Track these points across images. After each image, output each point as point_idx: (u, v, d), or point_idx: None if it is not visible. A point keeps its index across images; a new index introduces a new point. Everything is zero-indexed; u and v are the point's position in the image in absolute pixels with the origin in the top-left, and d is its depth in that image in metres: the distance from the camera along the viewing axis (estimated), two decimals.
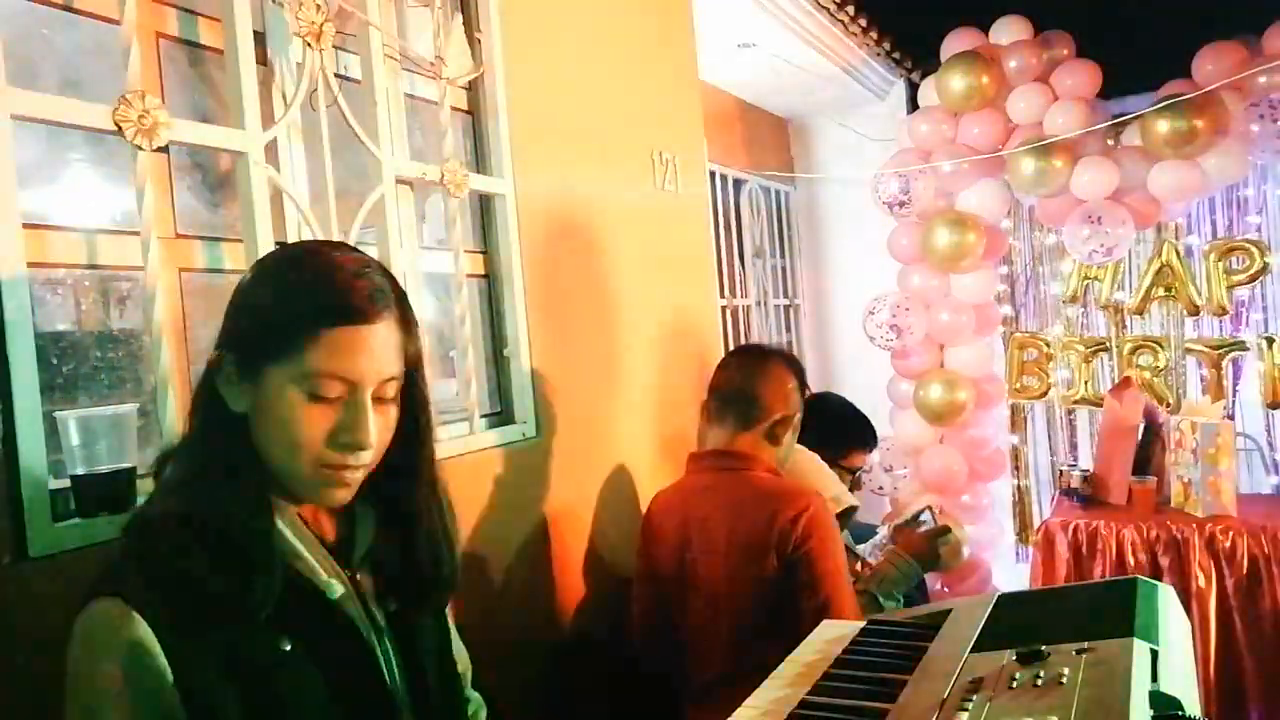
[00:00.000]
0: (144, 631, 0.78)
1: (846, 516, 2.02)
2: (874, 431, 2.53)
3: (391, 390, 0.90)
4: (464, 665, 1.11)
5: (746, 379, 1.78)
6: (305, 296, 0.87)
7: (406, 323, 0.92)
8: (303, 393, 0.85)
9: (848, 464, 2.39)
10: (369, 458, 0.89)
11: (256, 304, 0.89)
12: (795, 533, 1.59)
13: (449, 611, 1.09)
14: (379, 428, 0.89)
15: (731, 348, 2.62)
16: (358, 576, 0.94)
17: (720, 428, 1.78)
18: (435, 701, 0.97)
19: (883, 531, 2.09)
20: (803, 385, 1.83)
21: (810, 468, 2.06)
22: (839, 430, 2.42)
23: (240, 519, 0.85)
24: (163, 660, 0.78)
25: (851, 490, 2.33)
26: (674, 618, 1.75)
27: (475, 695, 1.14)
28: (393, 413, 0.92)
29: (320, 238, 1.49)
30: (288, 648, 0.85)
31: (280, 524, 0.89)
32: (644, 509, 2.20)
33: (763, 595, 1.61)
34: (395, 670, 0.94)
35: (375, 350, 0.87)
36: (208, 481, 0.86)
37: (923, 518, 2.08)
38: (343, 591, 0.90)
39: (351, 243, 1.55)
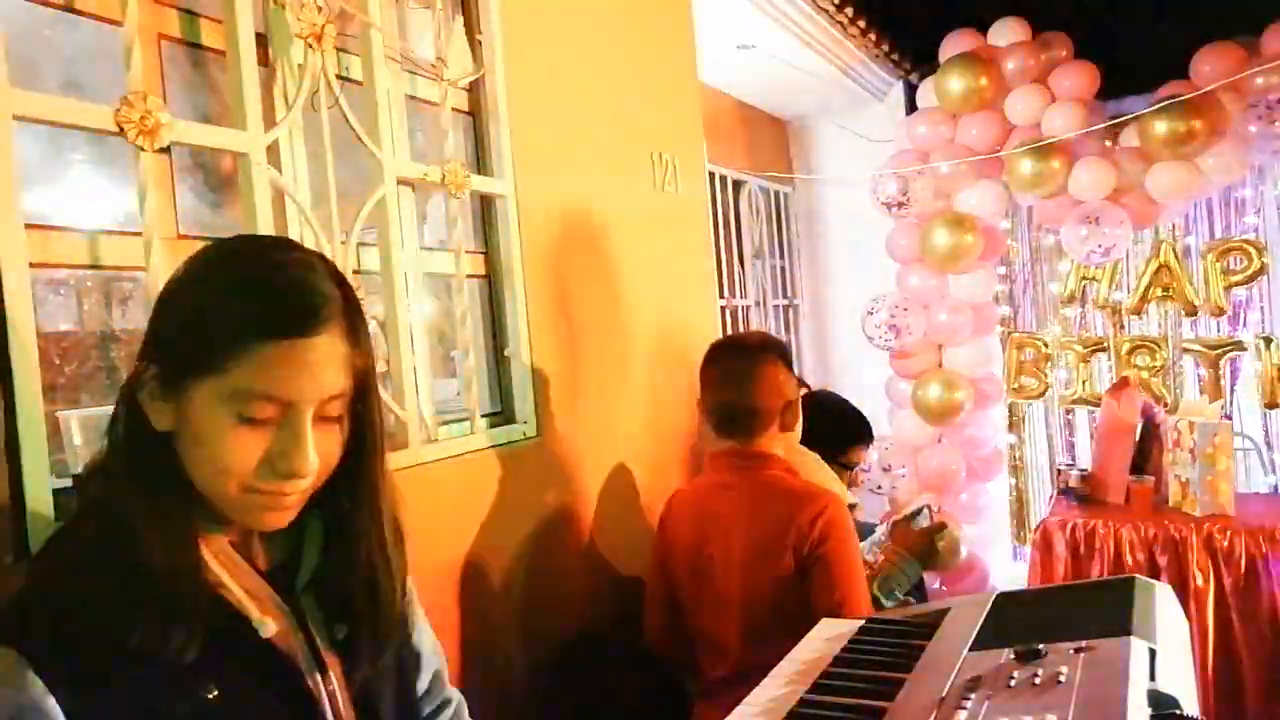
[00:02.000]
0: (36, 691, 0.69)
1: None
2: (870, 429, 2.54)
3: (336, 408, 0.81)
4: (439, 662, 1.05)
5: (740, 393, 1.73)
6: (235, 304, 0.76)
7: (355, 333, 0.81)
8: (231, 413, 0.75)
9: (845, 461, 2.40)
10: (307, 484, 0.80)
11: (180, 310, 0.79)
12: (812, 533, 1.59)
13: (418, 608, 1.03)
14: (322, 449, 0.80)
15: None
16: (301, 603, 0.86)
17: (730, 440, 1.76)
18: None
19: (880, 530, 2.10)
20: (789, 365, 1.79)
21: (810, 468, 2.07)
22: (836, 428, 2.43)
23: (160, 553, 0.75)
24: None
25: (850, 488, 2.34)
26: (689, 615, 1.75)
27: (453, 693, 1.08)
28: (339, 430, 0.83)
29: (322, 239, 1.49)
30: (213, 694, 0.75)
31: (208, 555, 0.79)
32: (644, 508, 2.21)
33: (778, 595, 1.61)
34: (340, 704, 0.86)
35: (315, 367, 0.77)
36: (125, 509, 0.76)
37: (920, 516, 2.09)
38: (277, 629, 0.81)
39: (353, 243, 1.55)
